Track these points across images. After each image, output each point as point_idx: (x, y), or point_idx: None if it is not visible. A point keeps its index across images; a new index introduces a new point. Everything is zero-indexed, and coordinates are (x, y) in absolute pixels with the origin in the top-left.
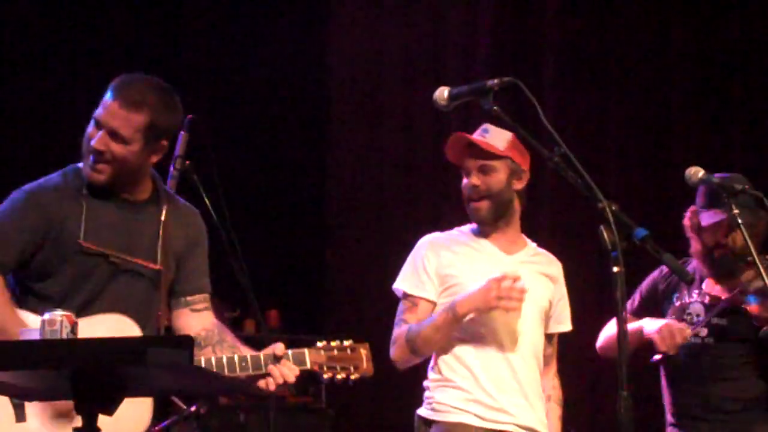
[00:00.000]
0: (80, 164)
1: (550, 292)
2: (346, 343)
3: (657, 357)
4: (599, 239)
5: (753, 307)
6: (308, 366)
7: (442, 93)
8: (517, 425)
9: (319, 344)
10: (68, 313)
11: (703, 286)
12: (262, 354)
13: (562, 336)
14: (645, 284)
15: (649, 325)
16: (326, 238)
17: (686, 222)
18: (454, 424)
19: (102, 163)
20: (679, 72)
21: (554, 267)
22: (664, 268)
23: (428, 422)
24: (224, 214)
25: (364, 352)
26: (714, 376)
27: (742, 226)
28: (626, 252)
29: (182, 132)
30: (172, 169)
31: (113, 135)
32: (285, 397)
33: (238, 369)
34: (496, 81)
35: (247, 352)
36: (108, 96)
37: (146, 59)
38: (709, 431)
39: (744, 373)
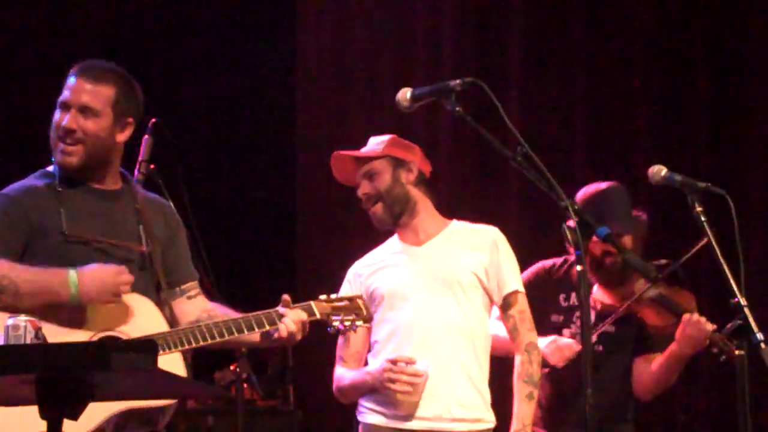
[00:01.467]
0: (48, 168)
1: (476, 263)
2: (342, 295)
3: (545, 370)
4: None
5: (649, 315)
6: (318, 316)
7: (405, 94)
8: (420, 418)
9: (321, 297)
10: (32, 318)
11: (594, 292)
12: (272, 311)
13: None
14: (529, 277)
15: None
16: (294, 240)
17: (570, 235)
18: (369, 425)
19: (74, 144)
20: (645, 69)
21: (480, 236)
22: (547, 264)
23: (357, 423)
24: (189, 218)
25: (360, 302)
26: (598, 385)
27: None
28: None
29: (146, 136)
30: (137, 173)
31: (83, 110)
32: (253, 400)
33: (255, 327)
34: (458, 82)
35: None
36: (71, 78)
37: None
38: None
39: (617, 385)
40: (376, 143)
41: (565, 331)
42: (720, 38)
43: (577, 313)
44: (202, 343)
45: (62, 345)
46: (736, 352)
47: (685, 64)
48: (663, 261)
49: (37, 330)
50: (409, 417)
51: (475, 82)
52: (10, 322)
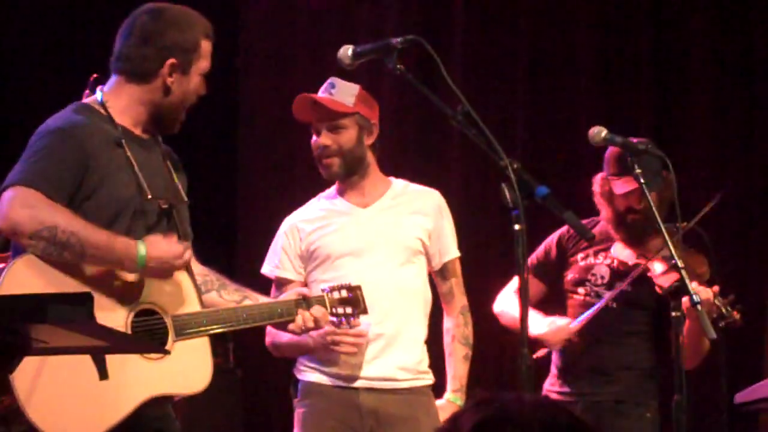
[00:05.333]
0: (85, 101)
1: (421, 229)
2: (344, 283)
3: (541, 353)
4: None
5: (658, 275)
6: (328, 309)
7: (346, 52)
8: (367, 378)
9: (327, 288)
10: None
11: (612, 249)
12: (291, 300)
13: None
14: (550, 240)
15: (535, 327)
16: (238, 211)
17: (596, 189)
18: (308, 383)
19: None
20: (588, 27)
21: (425, 200)
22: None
23: (295, 381)
24: None
25: (359, 293)
26: (609, 340)
27: (646, 191)
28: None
29: (86, 92)
30: None
31: None
32: None
33: (276, 316)
34: (399, 39)
35: (261, 297)
36: (210, 45)
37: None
38: (590, 390)
39: (638, 341)
40: (345, 92)
41: (580, 289)
42: None
43: (593, 270)
44: (230, 328)
45: None
46: (736, 316)
47: (627, 22)
48: (684, 224)
49: None
50: (352, 376)
51: (417, 40)
52: None
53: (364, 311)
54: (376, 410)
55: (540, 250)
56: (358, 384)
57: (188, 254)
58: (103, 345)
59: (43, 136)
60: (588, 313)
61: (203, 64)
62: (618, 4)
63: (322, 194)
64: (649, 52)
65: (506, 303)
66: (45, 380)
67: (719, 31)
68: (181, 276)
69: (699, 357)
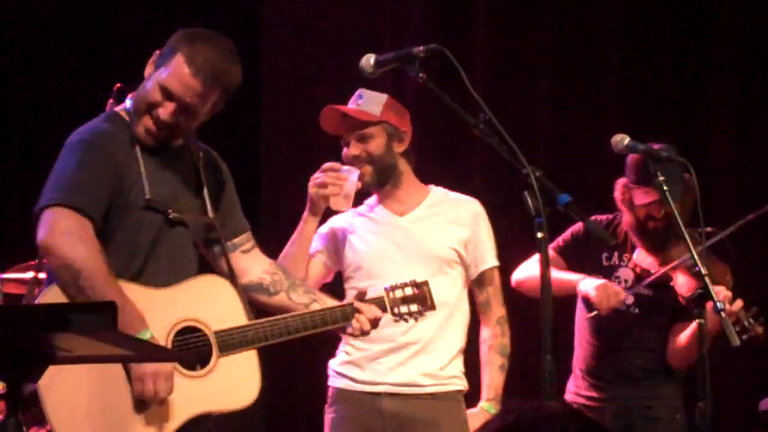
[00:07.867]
0: (116, 109)
1: (457, 239)
2: (409, 280)
3: (592, 314)
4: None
5: (681, 283)
6: (388, 311)
7: (369, 60)
8: (390, 383)
9: (388, 286)
10: None
11: (635, 254)
12: (347, 305)
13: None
14: (579, 229)
15: (585, 283)
16: (260, 214)
17: (617, 195)
18: (337, 389)
19: (164, 133)
20: (611, 39)
21: (462, 209)
22: (597, 220)
23: (327, 386)
24: None
25: (426, 288)
26: (631, 345)
27: (670, 200)
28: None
29: (111, 101)
30: None
31: (185, 110)
32: None
33: (332, 323)
34: (421, 48)
35: (329, 300)
36: (187, 69)
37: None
38: (619, 395)
39: (659, 345)
40: (372, 101)
41: None
42: (684, 4)
43: (617, 273)
44: (280, 340)
45: (21, 306)
46: (759, 330)
47: (650, 30)
48: (708, 228)
49: None
50: (375, 382)
51: (439, 49)
52: None
53: (432, 307)
54: (398, 415)
55: (567, 234)
56: (380, 389)
57: (165, 392)
58: (128, 354)
59: (74, 148)
60: (634, 290)
61: (164, 75)
62: (640, 11)
63: (366, 201)
64: (671, 57)
65: (528, 268)
66: (78, 405)
67: (742, 38)
68: (226, 289)
69: (693, 361)
